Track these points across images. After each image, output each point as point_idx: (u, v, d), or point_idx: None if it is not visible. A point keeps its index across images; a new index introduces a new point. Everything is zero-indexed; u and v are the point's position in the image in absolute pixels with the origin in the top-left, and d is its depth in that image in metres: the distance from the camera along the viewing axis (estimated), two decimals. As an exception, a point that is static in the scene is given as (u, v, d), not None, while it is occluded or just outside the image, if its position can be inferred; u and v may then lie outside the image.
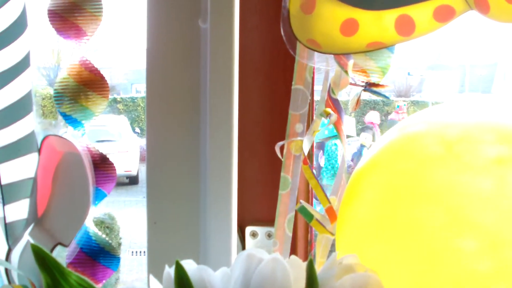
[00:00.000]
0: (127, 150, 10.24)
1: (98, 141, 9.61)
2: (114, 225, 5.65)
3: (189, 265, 0.71)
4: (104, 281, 1.07)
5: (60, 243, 1.04)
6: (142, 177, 9.74)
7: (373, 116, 8.66)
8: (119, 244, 5.70)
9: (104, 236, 1.07)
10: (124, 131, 11.15)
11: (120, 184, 9.70)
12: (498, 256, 0.70)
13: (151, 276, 0.74)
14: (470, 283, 0.71)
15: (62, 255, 1.05)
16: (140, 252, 6.65)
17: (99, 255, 1.06)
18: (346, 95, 1.11)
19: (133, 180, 10.19)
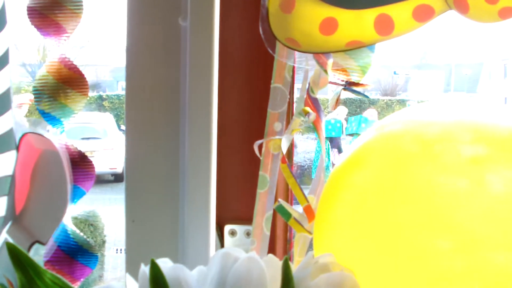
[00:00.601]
0: (112, 148, 10.22)
1: (83, 138, 9.60)
2: (99, 222, 5.64)
3: (164, 264, 0.71)
4: (82, 279, 1.07)
5: (38, 241, 1.04)
6: (127, 174, 9.69)
7: (371, 113, 8.80)
8: (104, 242, 5.69)
9: (82, 234, 1.07)
10: (109, 128, 11.12)
11: (105, 181, 9.68)
12: (473, 256, 0.71)
13: (128, 275, 0.74)
14: (445, 282, 0.71)
15: (39, 253, 1.05)
16: (125, 249, 6.63)
17: (77, 253, 1.05)
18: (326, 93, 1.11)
19: (118, 178, 10.16)
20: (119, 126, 11.71)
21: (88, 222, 5.31)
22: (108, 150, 10.06)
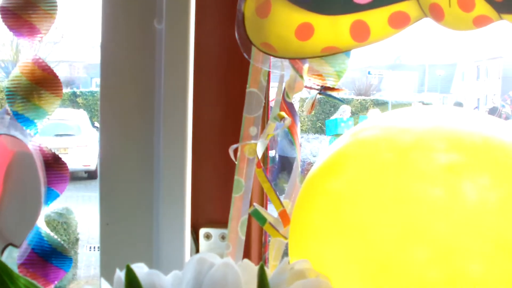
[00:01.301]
0: (86, 145, 10.19)
1: (56, 135, 9.55)
2: (72, 220, 5.61)
3: (140, 269, 0.70)
4: (56, 282, 1.06)
5: (11, 244, 1.03)
6: (101, 172, 9.67)
7: (344, 109, 8.89)
8: (77, 240, 5.66)
9: (56, 236, 1.06)
10: (83, 125, 11.08)
11: (78, 178, 9.65)
12: (449, 265, 0.71)
13: (103, 280, 0.73)
14: (420, 290, 0.72)
15: (13, 256, 1.04)
16: (98, 247, 6.60)
17: (51, 256, 1.05)
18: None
19: (91, 175, 10.13)
20: (92, 123, 11.66)
21: (61, 220, 5.27)
22: (82, 147, 10.02)
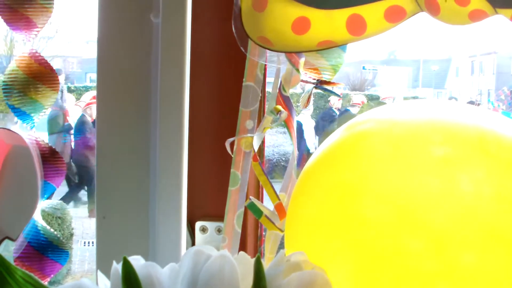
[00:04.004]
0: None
1: (51, 130, 9.52)
2: (66, 215, 5.59)
3: (136, 261, 0.71)
4: (52, 276, 1.06)
5: (8, 237, 1.03)
6: (95, 167, 9.67)
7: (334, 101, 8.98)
8: (71, 235, 5.65)
9: (52, 230, 1.06)
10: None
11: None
12: (444, 256, 0.71)
13: (99, 272, 0.74)
14: (415, 282, 0.72)
15: (9, 249, 1.04)
16: (92, 242, 6.59)
17: (47, 250, 1.05)
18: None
19: (86, 170, 10.10)
20: (86, 118, 11.61)
21: (55, 215, 5.26)
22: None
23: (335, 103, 9.09)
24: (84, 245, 6.58)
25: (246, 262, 0.71)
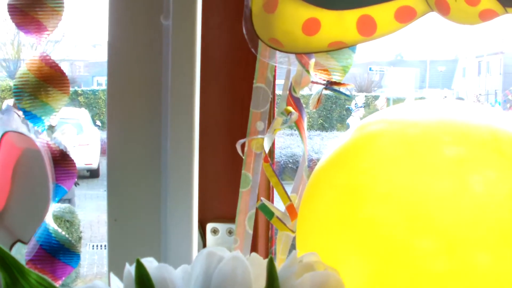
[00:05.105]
0: (87, 143, 10.19)
1: (58, 134, 9.53)
2: (75, 219, 5.61)
3: (150, 263, 0.71)
4: (63, 278, 1.07)
5: (20, 240, 1.03)
6: (103, 170, 9.73)
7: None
8: (80, 238, 5.66)
9: (64, 233, 1.07)
10: (85, 124, 11.08)
11: (80, 177, 9.65)
12: (455, 257, 0.71)
13: (112, 274, 0.74)
14: (426, 283, 0.72)
15: (21, 252, 1.04)
16: (101, 246, 6.62)
17: (59, 252, 1.05)
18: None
19: (93, 173, 10.15)
20: (94, 122, 11.66)
21: (64, 218, 5.28)
22: (84, 145, 10.02)
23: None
24: (93, 248, 6.59)
25: (258, 263, 0.71)
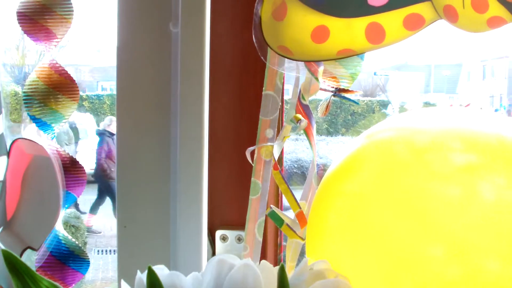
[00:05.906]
0: (93, 148, 10.16)
1: (63, 139, 9.53)
2: (80, 224, 5.60)
3: (161, 271, 0.71)
4: (73, 285, 1.07)
5: (30, 247, 1.04)
6: (108, 175, 9.69)
7: None
8: (85, 243, 5.65)
9: (73, 240, 1.07)
10: (90, 129, 11.06)
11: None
12: (466, 264, 0.71)
13: (123, 282, 0.74)
14: (438, 289, 0.72)
15: (31, 259, 1.05)
16: (106, 251, 6.60)
17: (68, 259, 1.05)
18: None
19: (98, 178, 10.11)
20: (99, 127, 11.64)
21: (69, 223, 5.28)
22: (89, 150, 9.99)
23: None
24: (98, 254, 6.58)
25: (268, 270, 0.72)
